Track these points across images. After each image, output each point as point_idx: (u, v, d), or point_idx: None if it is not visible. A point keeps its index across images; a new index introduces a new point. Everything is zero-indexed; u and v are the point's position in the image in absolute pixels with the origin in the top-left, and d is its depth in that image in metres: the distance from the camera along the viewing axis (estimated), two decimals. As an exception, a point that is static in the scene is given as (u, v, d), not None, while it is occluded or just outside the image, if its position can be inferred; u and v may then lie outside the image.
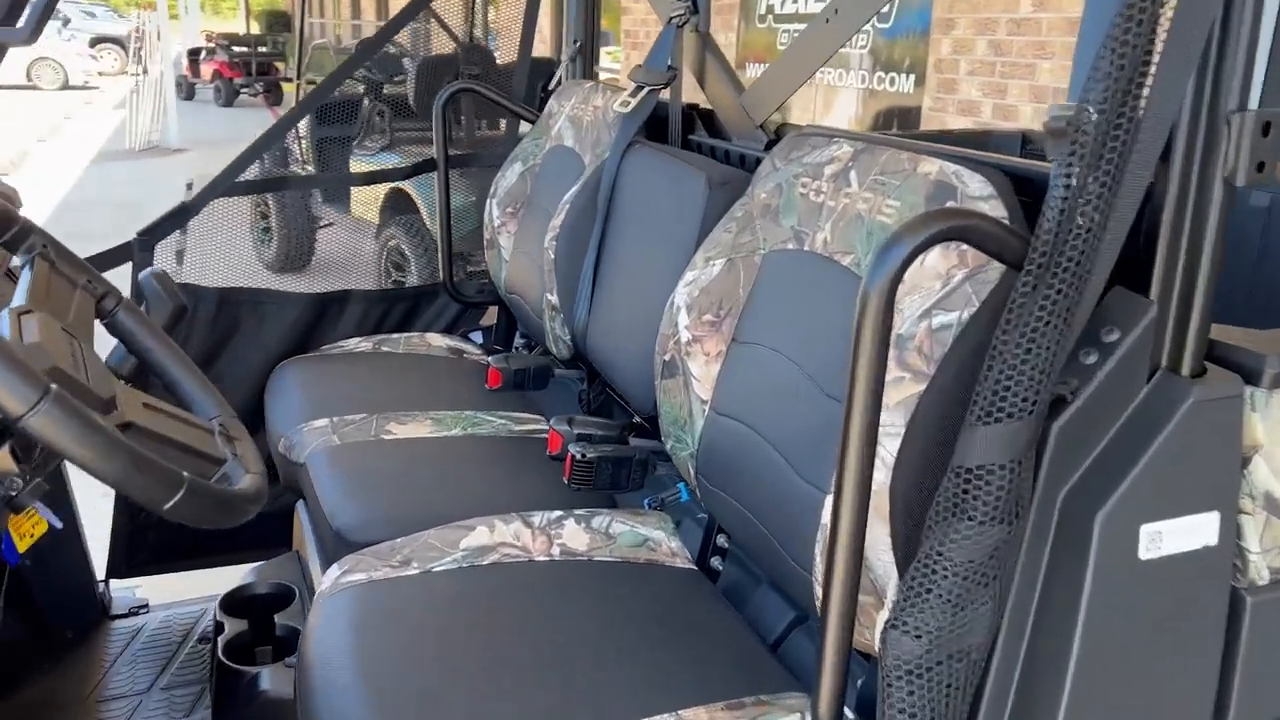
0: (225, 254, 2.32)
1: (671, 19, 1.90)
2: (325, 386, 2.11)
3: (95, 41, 22.02)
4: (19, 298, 1.06)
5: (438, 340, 2.43)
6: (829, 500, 1.17)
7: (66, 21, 22.85)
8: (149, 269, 1.38)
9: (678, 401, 1.52)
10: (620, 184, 1.90)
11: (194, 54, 18.53)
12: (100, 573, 2.35)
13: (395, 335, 2.42)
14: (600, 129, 2.05)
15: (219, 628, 1.80)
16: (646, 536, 1.57)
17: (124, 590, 2.41)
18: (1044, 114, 0.93)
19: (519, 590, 1.41)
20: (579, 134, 2.16)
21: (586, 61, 2.46)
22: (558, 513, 1.58)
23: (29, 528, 1.18)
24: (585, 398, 2.07)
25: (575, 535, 1.54)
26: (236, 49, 17.49)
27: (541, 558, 1.49)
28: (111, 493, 2.34)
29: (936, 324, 1.06)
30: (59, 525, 1.14)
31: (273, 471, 2.06)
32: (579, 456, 1.57)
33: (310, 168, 5.97)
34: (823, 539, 1.18)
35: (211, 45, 18.14)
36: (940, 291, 1.08)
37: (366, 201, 5.77)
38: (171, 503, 0.91)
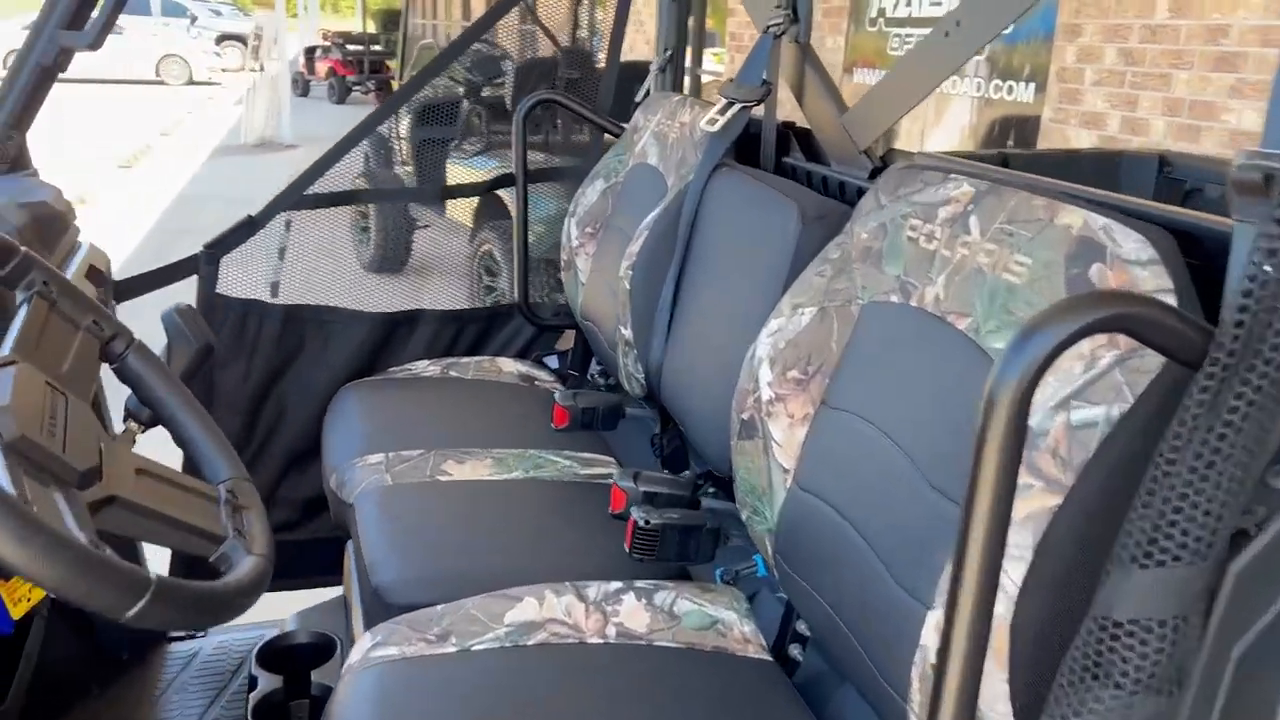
0: (291, 269, 2.22)
1: (769, 28, 1.71)
2: (385, 415, 1.98)
3: (220, 39, 22.81)
4: (5, 345, 0.94)
5: (509, 365, 2.28)
6: (931, 617, 0.97)
7: (194, 19, 23.75)
8: (173, 305, 1.26)
9: (756, 467, 1.33)
10: (704, 210, 1.71)
11: (310, 52, 19.00)
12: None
13: (465, 359, 2.28)
14: (686, 148, 1.87)
15: (253, 682, 1.69)
16: (716, 618, 1.38)
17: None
18: (1234, 160, 0.71)
19: (566, 678, 1.24)
20: (663, 152, 1.98)
21: (677, 71, 2.28)
22: (616, 585, 1.41)
23: (25, 591, 1.07)
24: (658, 442, 1.89)
25: (634, 613, 1.36)
26: (350, 47, 17.86)
27: (595, 639, 1.31)
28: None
29: (1077, 420, 0.85)
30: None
31: (325, 505, 1.95)
32: (641, 523, 1.39)
33: (409, 168, 5.94)
34: (921, 663, 0.97)
35: (327, 44, 18.57)
36: (1083, 377, 0.86)
37: (462, 205, 5.71)
38: (134, 610, 0.77)
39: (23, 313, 0.98)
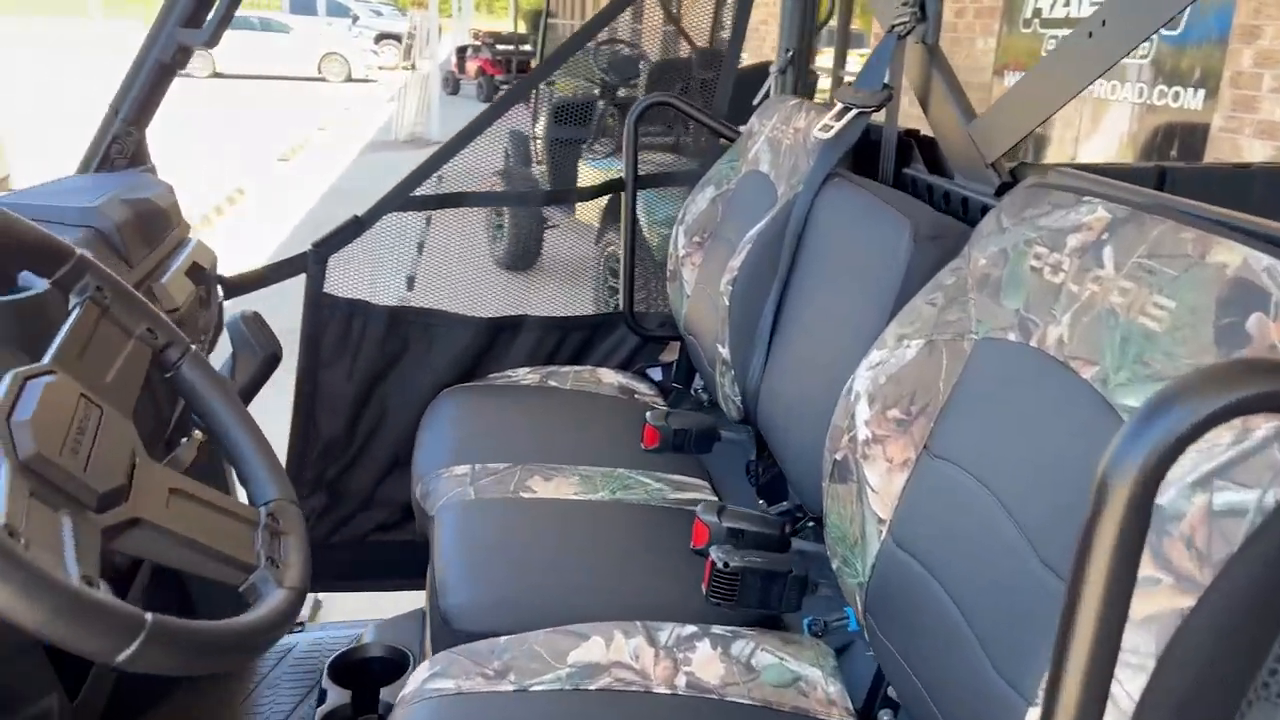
0: (401, 269, 2.20)
1: (893, 27, 1.56)
2: (477, 424, 1.93)
3: (379, 38, 23.71)
4: (48, 354, 0.91)
5: (609, 376, 2.20)
6: (1032, 715, 0.83)
7: (356, 19, 24.77)
8: (239, 311, 1.22)
9: (848, 514, 1.20)
10: (812, 223, 1.58)
11: (461, 51, 19.50)
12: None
13: (565, 368, 2.21)
14: (799, 155, 1.74)
15: (322, 695, 1.65)
16: (798, 675, 1.26)
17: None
18: None
19: (628, 733, 1.14)
20: (775, 159, 1.86)
21: (799, 73, 2.15)
22: (690, 630, 1.30)
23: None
24: (754, 470, 1.77)
25: (708, 663, 1.25)
26: (500, 47, 18.22)
27: (661, 689, 1.21)
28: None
29: (1221, 504, 0.70)
30: None
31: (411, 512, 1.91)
32: (719, 565, 1.28)
33: (543, 167, 5.98)
34: None
35: (477, 43, 19.02)
36: (1231, 451, 0.71)
37: (590, 206, 5.70)
38: (126, 654, 0.71)
39: (71, 319, 0.95)
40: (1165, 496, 0.74)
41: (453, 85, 18.93)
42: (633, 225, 2.22)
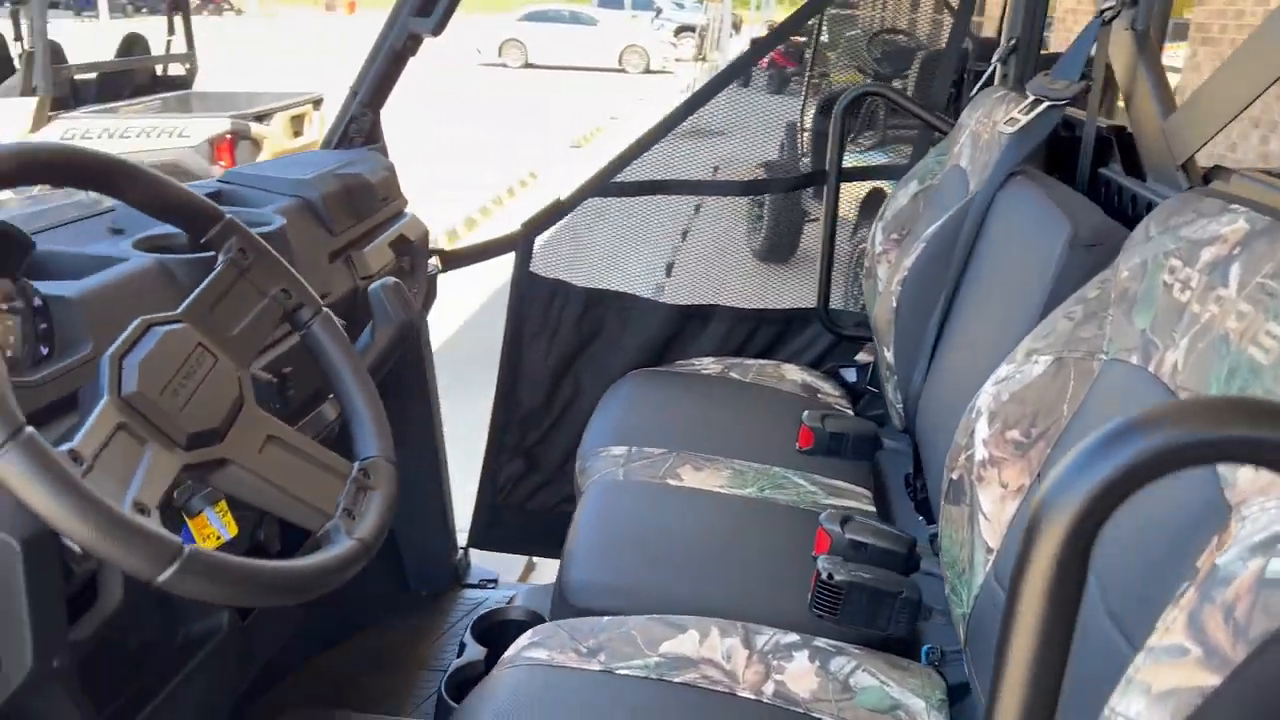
0: (598, 254, 2.26)
1: (1102, 10, 1.41)
2: (646, 408, 1.96)
3: (679, 31, 24.32)
4: (181, 306, 1.02)
5: (794, 373, 2.15)
6: None
7: (659, 12, 25.57)
8: (380, 281, 1.31)
9: (960, 539, 1.11)
10: (989, 224, 1.46)
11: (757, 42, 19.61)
12: (462, 541, 2.46)
13: (749, 361, 2.19)
14: (992, 150, 1.61)
15: (461, 649, 1.75)
16: (898, 703, 1.18)
17: (486, 561, 2.50)
18: None
19: (700, 731, 1.12)
20: (974, 154, 1.73)
21: (1021, 65, 1.98)
22: (792, 638, 1.26)
23: (212, 531, 1.17)
24: (913, 483, 1.67)
25: (802, 675, 1.20)
26: (796, 39, 18.14)
27: (747, 694, 1.18)
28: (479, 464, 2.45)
29: (1274, 572, 0.58)
30: (227, 536, 1.10)
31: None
32: (824, 576, 1.22)
33: (807, 160, 5.92)
34: None
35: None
36: (1300, 512, 0.59)
37: (849, 200, 5.58)
38: (163, 577, 0.79)
39: (210, 276, 1.06)
40: (1225, 556, 0.63)
41: (746, 77, 19.08)
42: (833, 219, 2.15)
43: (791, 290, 2.29)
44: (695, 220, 2.38)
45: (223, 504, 1.08)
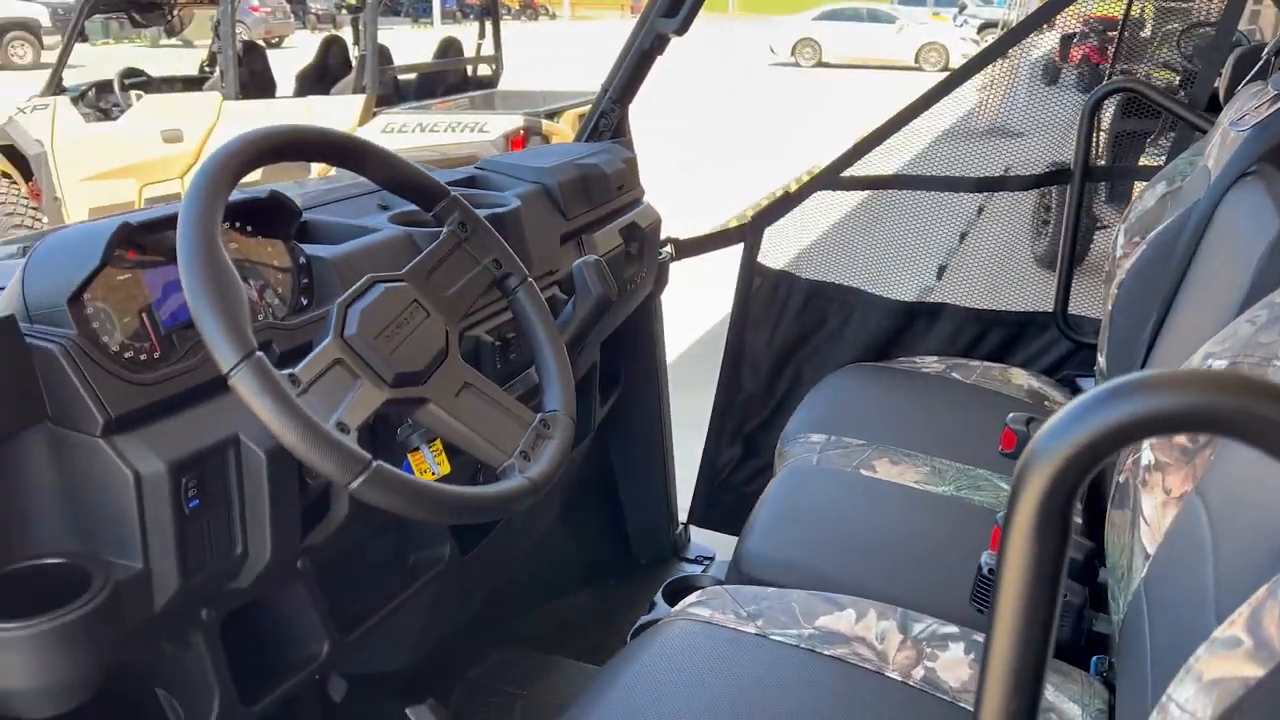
0: (825, 246, 2.30)
1: (1367, -4, 1.28)
2: (856, 400, 1.98)
3: (982, 28, 23.22)
4: (405, 268, 1.20)
5: (1021, 378, 2.08)
6: None
7: (963, 8, 24.53)
8: (582, 259, 1.44)
9: (1121, 544, 1.07)
10: (1213, 227, 1.37)
11: (1067, 39, 18.36)
12: (683, 516, 2.59)
13: (974, 362, 2.14)
14: (1232, 148, 1.50)
15: (650, 607, 1.85)
16: (1051, 705, 1.16)
17: (706, 539, 2.62)
18: None
19: (840, 703, 1.16)
20: (1219, 153, 1.61)
21: (1296, 56, 1.80)
22: (950, 629, 1.26)
23: (426, 466, 1.35)
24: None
25: (954, 665, 1.21)
26: (1110, 33, 16.84)
27: (894, 675, 1.20)
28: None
29: (1337, 572, 0.56)
30: (437, 472, 1.27)
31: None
32: (985, 570, 1.21)
33: (1101, 161, 5.55)
34: None
35: (1085, 29, 17.76)
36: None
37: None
38: (354, 485, 0.95)
39: (433, 245, 1.23)
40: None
41: (1051, 74, 17.94)
42: (1075, 220, 2.06)
43: (1028, 292, 2.21)
44: (978, 222, 2.35)
45: (438, 444, 1.26)
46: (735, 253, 2.33)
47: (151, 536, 1.02)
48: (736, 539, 2.64)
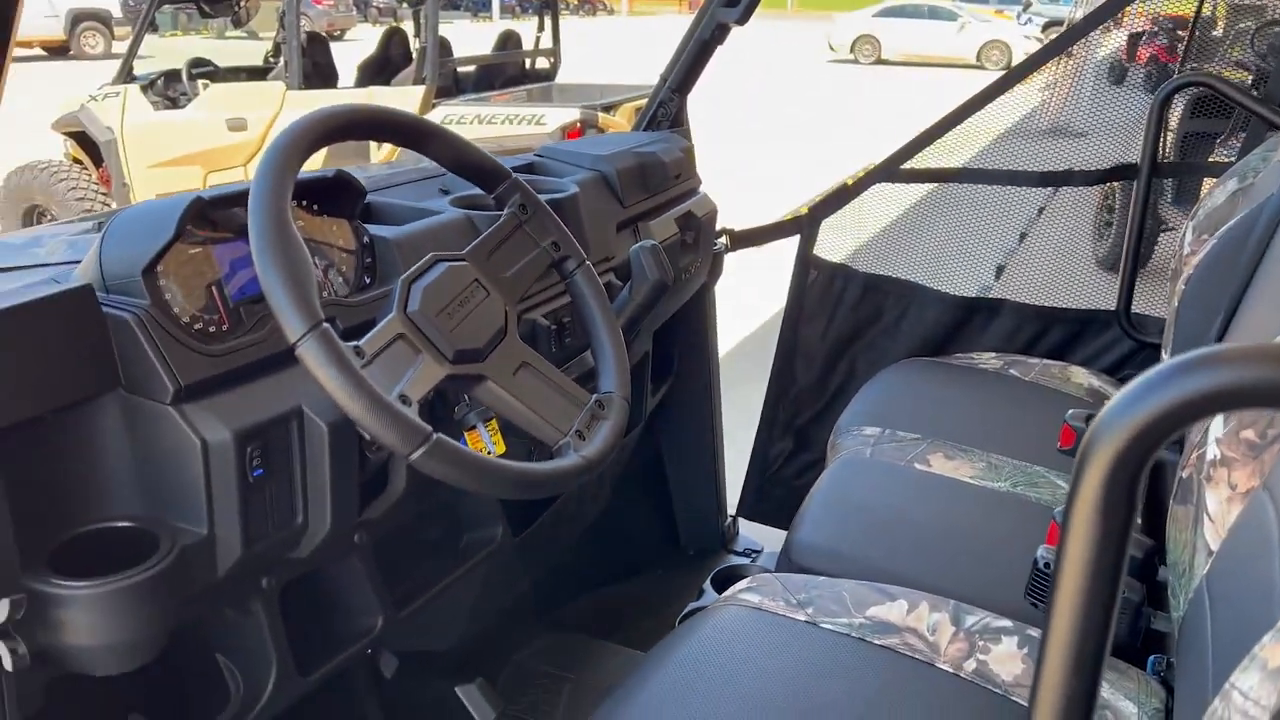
0: (882, 239, 2.28)
1: None
2: (911, 394, 1.96)
3: (1046, 26, 22.80)
4: (467, 248, 1.21)
5: (1081, 377, 2.05)
6: None
7: (1028, 6, 24.09)
8: (639, 244, 1.44)
9: (1182, 541, 1.06)
10: (1287, 223, 1.34)
11: (1135, 38, 17.96)
12: (732, 508, 2.59)
13: (1032, 360, 2.11)
14: (1311, 144, 1.46)
15: (700, 594, 1.85)
16: (1106, 702, 1.14)
17: (754, 532, 2.61)
18: None
19: (889, 692, 1.16)
20: (1295, 148, 1.57)
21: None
22: (1004, 623, 1.25)
23: (482, 445, 1.36)
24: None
25: (1006, 659, 1.20)
26: (1179, 31, 16.44)
27: (945, 666, 1.19)
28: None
29: None
30: (493, 449, 1.29)
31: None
32: (1041, 564, 1.20)
33: (1169, 159, 5.43)
34: None
35: (1154, 28, 17.37)
36: None
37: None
38: (415, 456, 0.97)
39: (493, 226, 1.24)
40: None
41: (1118, 74, 17.56)
42: (1142, 218, 2.02)
43: (1089, 290, 2.18)
44: (1034, 220, 2.32)
45: (494, 423, 1.27)
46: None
47: (217, 503, 1.05)
48: (785, 532, 2.64)
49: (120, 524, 1.04)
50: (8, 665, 0.89)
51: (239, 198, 1.16)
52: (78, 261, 1.12)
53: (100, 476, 1.04)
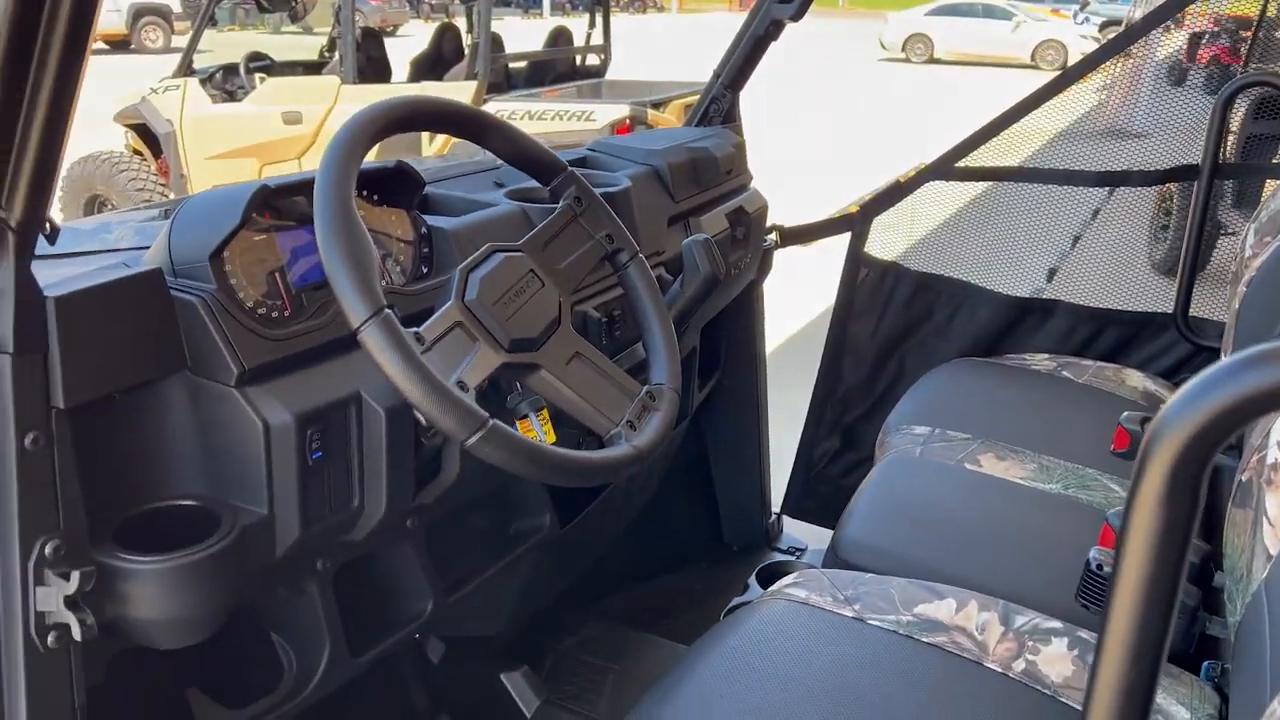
0: (935, 238, 2.26)
1: None
2: (962, 394, 1.95)
3: (1104, 25, 22.42)
4: (523, 239, 1.22)
5: (1136, 380, 2.02)
6: None
7: (1084, 4, 23.68)
8: (692, 237, 1.44)
9: (1241, 544, 1.04)
10: (1356, 224, 1.31)
11: (1196, 38, 17.59)
12: (776, 506, 2.58)
13: (1086, 361, 2.08)
14: (1381, 144, 1.42)
15: (744, 589, 1.85)
16: (1159, 707, 1.12)
17: (799, 530, 2.61)
18: None
19: (937, 690, 1.15)
20: (1365, 149, 1.53)
21: None
22: (1054, 624, 1.23)
23: (533, 434, 1.38)
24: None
25: (1056, 660, 1.19)
26: (1243, 33, 16.07)
27: (994, 666, 1.19)
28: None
29: None
30: (543, 438, 1.30)
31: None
32: (1093, 566, 1.19)
33: (1231, 160, 5.32)
34: None
35: (1216, 29, 16.99)
36: None
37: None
38: (471, 441, 0.98)
39: (549, 218, 1.26)
40: None
41: (1178, 75, 17.20)
42: (1202, 220, 1.99)
43: (1145, 293, 2.14)
44: (1088, 222, 2.30)
45: (545, 413, 1.28)
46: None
47: (277, 484, 1.07)
48: (829, 531, 2.63)
49: (183, 502, 1.07)
50: (77, 635, 0.92)
51: (303, 186, 1.18)
52: (146, 247, 1.16)
53: (165, 455, 1.06)
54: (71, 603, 0.92)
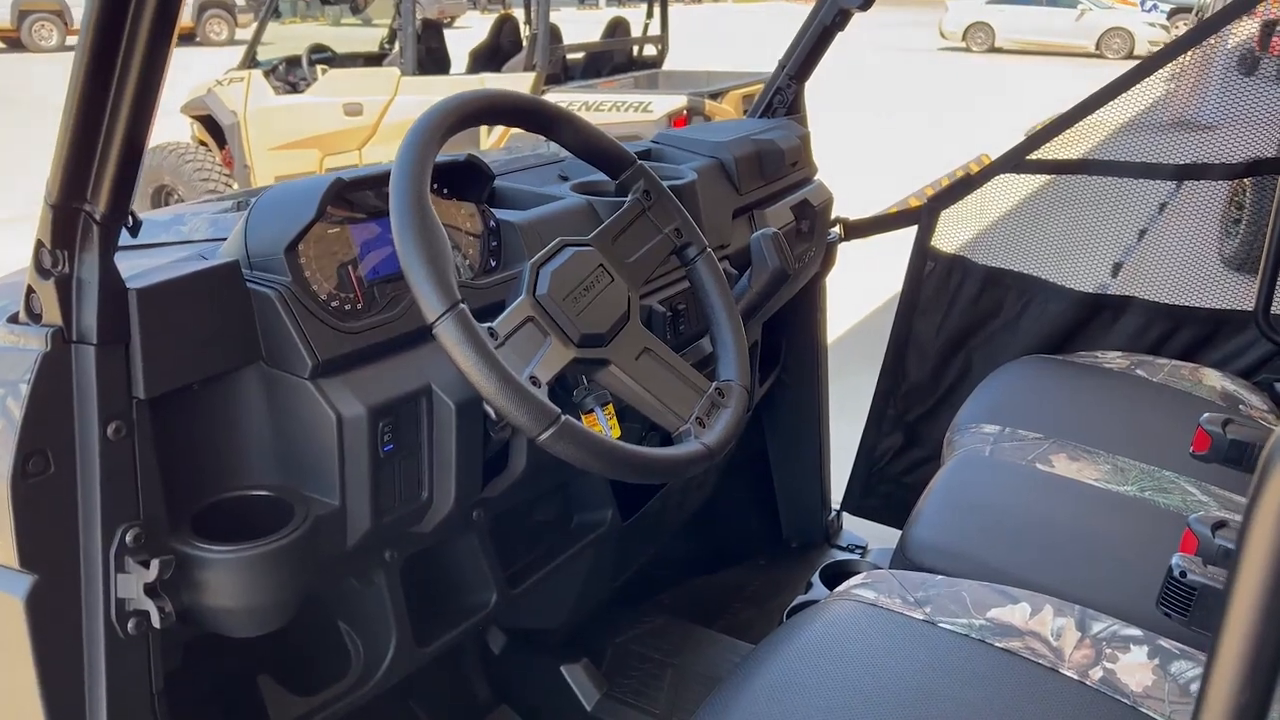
0: (1004, 231, 2.21)
1: None
2: (1032, 392, 1.90)
3: (1173, 13, 21.82)
4: (592, 233, 1.22)
5: (1214, 379, 1.96)
6: None
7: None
8: (760, 231, 1.43)
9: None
10: None
11: (1269, 25, 17.03)
12: (836, 503, 2.55)
13: (1161, 360, 2.02)
14: None
15: (807, 588, 1.83)
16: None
17: (859, 528, 2.58)
18: None
19: (1010, 697, 1.13)
20: None
21: None
22: (1133, 632, 1.20)
23: (599, 429, 1.37)
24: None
25: (1135, 669, 1.15)
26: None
27: (1070, 673, 1.16)
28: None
29: None
30: (609, 433, 1.30)
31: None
32: (1176, 572, 1.15)
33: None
34: None
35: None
36: None
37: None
38: (543, 436, 0.98)
39: (618, 212, 1.25)
40: None
41: (1249, 65, 16.67)
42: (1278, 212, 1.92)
43: (1222, 290, 2.07)
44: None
45: (610, 408, 1.28)
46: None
47: (349, 476, 1.08)
48: (890, 529, 2.60)
49: (258, 492, 1.08)
50: (155, 622, 0.93)
51: (375, 180, 1.19)
52: (221, 239, 1.17)
53: (240, 446, 1.08)
54: (151, 590, 0.94)
